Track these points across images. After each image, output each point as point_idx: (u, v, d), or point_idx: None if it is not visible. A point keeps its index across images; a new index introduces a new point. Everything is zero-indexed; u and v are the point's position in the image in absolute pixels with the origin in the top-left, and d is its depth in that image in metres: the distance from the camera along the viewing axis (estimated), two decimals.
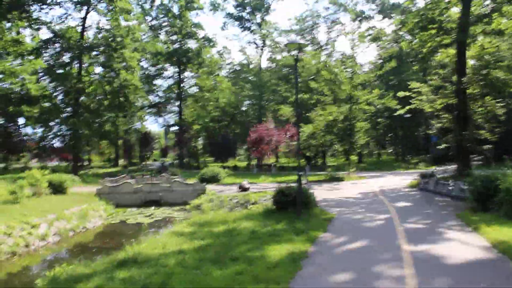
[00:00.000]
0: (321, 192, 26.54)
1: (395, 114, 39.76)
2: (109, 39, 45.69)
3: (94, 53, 46.83)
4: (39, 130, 48.93)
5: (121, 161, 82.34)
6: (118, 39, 45.20)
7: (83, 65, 46.93)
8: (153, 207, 28.49)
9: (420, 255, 10.43)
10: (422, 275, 8.73)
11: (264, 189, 29.81)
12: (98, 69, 49.30)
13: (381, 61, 64.70)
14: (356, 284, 8.53)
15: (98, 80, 47.71)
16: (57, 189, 28.85)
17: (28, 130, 52.70)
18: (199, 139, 79.27)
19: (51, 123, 46.21)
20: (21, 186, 24.75)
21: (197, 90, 77.64)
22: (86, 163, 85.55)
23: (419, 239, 12.30)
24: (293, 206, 16.91)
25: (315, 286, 8.47)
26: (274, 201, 17.92)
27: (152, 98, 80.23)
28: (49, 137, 48.24)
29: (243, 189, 28.63)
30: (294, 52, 16.23)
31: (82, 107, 45.17)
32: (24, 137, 50.48)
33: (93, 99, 46.81)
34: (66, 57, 46.26)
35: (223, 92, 71.86)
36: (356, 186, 30.47)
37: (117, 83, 45.81)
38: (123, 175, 37.81)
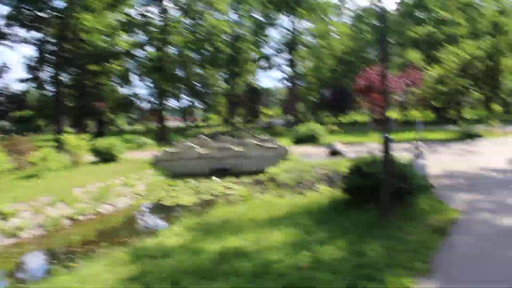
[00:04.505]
0: (446, 159, 17.85)
1: None
2: None
3: None
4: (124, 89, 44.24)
5: (235, 120, 77.37)
6: None
7: (167, 14, 40.72)
8: (217, 179, 21.86)
9: None
10: None
11: (370, 152, 21.77)
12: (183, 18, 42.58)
13: None
14: None
15: (181, 27, 41.07)
16: (105, 156, 23.43)
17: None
18: (314, 92, 71.19)
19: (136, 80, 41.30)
20: (43, 157, 19.56)
21: (311, 38, 69.38)
22: (198, 123, 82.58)
23: None
24: (378, 197, 8.97)
25: None
26: (344, 187, 10.00)
27: (265, 51, 73.42)
28: (132, 95, 43.76)
29: (333, 153, 20.79)
30: None
31: (165, 60, 39.26)
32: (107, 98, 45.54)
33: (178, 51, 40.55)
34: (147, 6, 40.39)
35: (340, 39, 63.05)
36: (500, 148, 20.95)
37: (202, 31, 39.06)
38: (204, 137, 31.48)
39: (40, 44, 39.16)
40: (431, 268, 6.25)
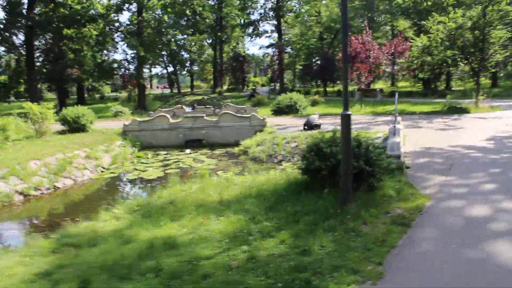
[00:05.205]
0: (426, 135, 16.93)
1: None
2: None
3: None
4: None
5: (221, 88, 75.87)
6: None
7: None
8: (188, 150, 20.92)
9: None
10: None
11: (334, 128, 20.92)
12: None
13: None
14: None
15: None
16: (73, 126, 22.34)
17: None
18: (302, 61, 69.66)
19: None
20: (3, 126, 18.46)
21: (298, 4, 67.50)
22: (184, 89, 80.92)
23: None
24: (338, 180, 7.98)
25: None
26: (302, 168, 8.99)
27: (252, 18, 71.47)
28: (112, 61, 42.01)
29: (309, 126, 19.78)
30: None
31: (142, 25, 37.56)
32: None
33: (155, 15, 38.72)
34: None
35: (328, 6, 61.35)
36: (484, 124, 20.03)
37: None
38: (179, 106, 30.28)
39: (10, 5, 37.16)
40: (384, 271, 5.32)
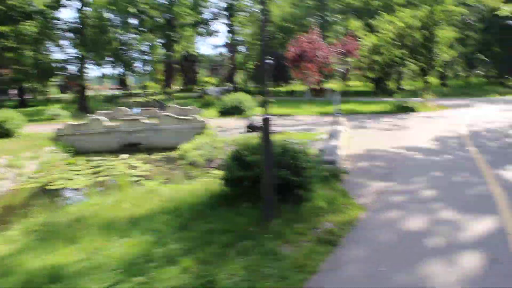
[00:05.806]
0: (371, 136, 16.38)
1: (496, 14, 27.69)
2: None
3: None
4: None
5: (171, 88, 74.00)
6: None
7: None
8: (125, 155, 19.65)
9: None
10: None
11: (294, 126, 20.31)
12: None
13: None
14: None
15: None
16: None
17: None
18: (254, 60, 68.77)
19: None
20: None
21: (251, 3, 66.65)
22: (134, 91, 78.90)
23: None
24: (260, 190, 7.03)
25: None
26: (224, 177, 8.03)
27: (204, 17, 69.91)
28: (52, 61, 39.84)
29: (253, 128, 18.92)
30: None
31: (83, 23, 35.76)
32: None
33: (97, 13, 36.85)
34: None
35: (280, 5, 60.86)
36: (430, 123, 19.77)
37: None
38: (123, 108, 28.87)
39: None
40: None
